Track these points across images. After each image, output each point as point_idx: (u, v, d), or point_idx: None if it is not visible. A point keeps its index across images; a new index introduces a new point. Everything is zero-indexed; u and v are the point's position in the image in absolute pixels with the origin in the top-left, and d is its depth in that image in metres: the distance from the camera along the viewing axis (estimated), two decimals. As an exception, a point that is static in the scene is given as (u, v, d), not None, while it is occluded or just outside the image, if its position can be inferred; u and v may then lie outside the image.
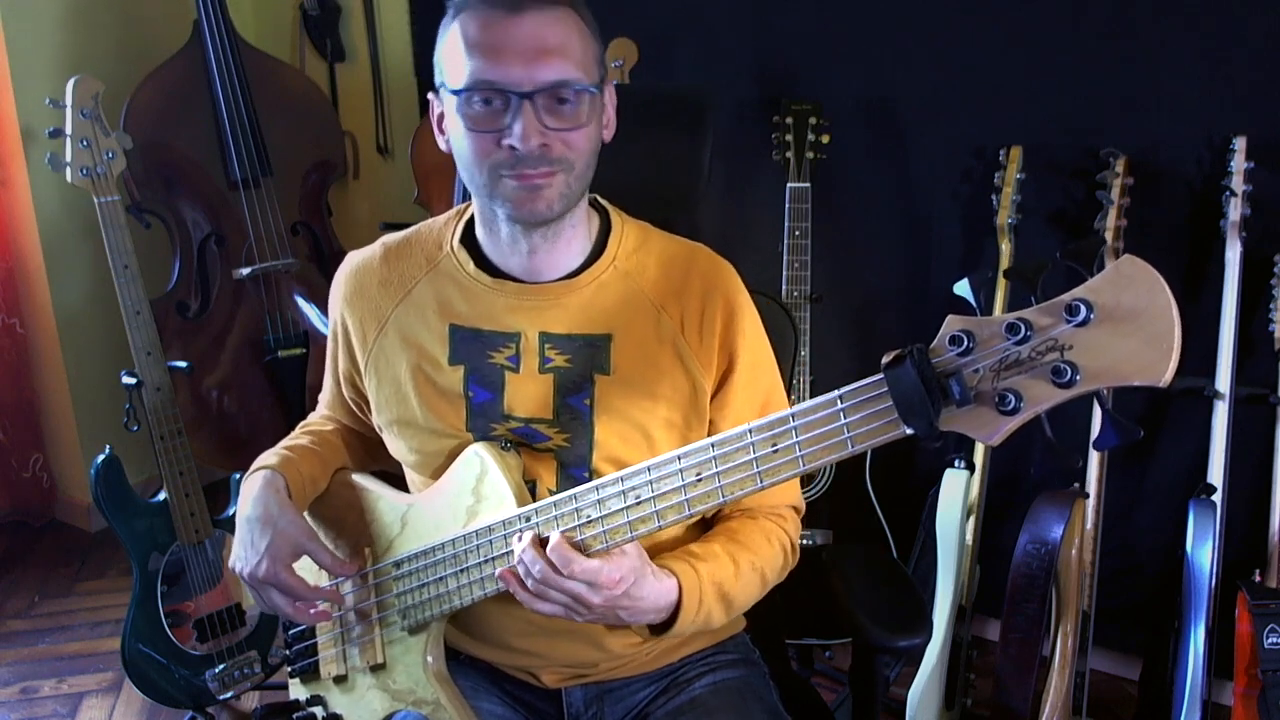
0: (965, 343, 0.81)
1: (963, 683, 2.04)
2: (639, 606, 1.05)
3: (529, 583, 1.02)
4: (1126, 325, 0.76)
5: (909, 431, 0.84)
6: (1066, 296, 0.78)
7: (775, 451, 0.92)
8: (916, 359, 0.82)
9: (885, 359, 0.84)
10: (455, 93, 1.04)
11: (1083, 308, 0.77)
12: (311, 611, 1.18)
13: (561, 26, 1.03)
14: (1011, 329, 0.79)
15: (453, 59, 1.05)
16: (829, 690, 2.21)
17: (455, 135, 1.08)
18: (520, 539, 1.03)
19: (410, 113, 2.91)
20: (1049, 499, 1.78)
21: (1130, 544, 2.16)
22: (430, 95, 1.13)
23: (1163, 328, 0.75)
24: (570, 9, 1.05)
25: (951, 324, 0.83)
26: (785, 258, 2.17)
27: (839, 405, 0.88)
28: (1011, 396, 0.80)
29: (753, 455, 0.93)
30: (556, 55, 1.02)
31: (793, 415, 0.91)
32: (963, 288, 0.88)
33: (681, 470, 0.97)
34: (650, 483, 0.99)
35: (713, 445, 0.96)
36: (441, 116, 1.12)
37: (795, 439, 0.91)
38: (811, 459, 0.91)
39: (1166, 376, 0.75)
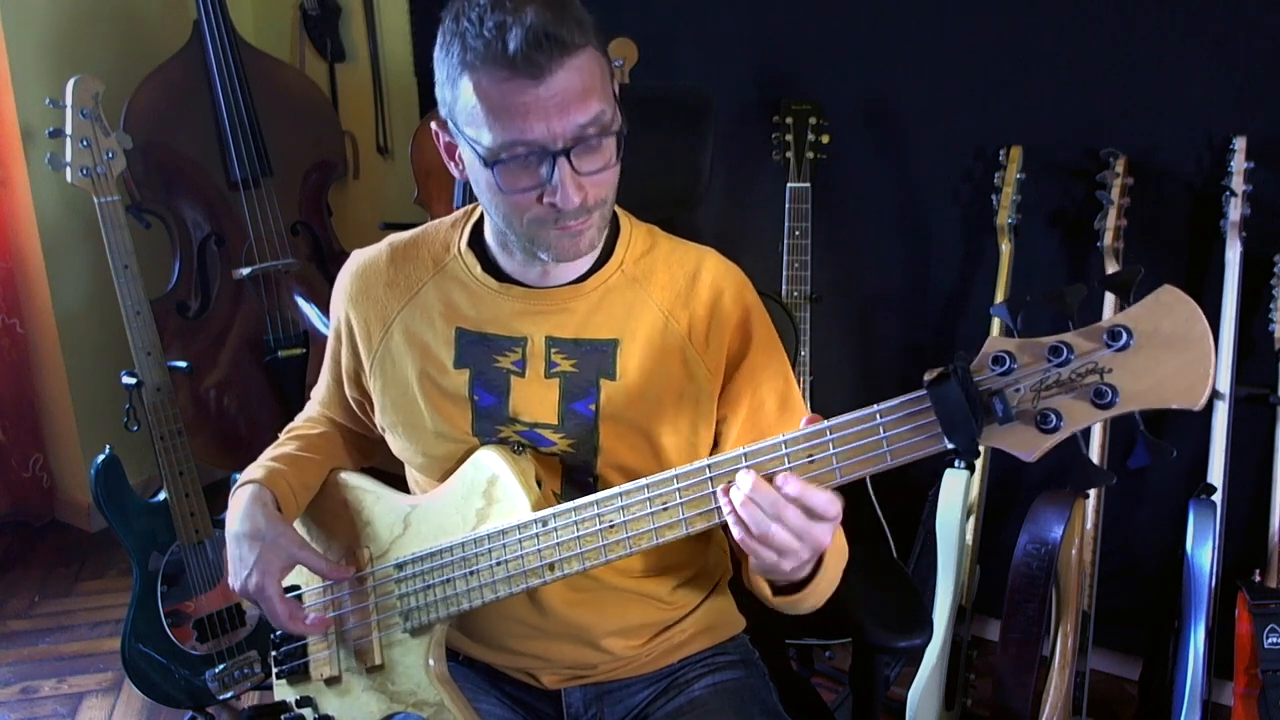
0: (1007, 363, 0.84)
1: (963, 683, 2.04)
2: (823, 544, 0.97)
3: (756, 521, 0.93)
4: (1165, 351, 0.80)
5: (950, 446, 0.86)
6: (1107, 322, 0.81)
7: (811, 463, 0.93)
8: (961, 377, 0.85)
9: (928, 376, 0.86)
10: (484, 160, 1.01)
11: (1124, 333, 0.81)
12: (307, 621, 1.17)
13: (583, 73, 0.99)
14: (1054, 351, 0.83)
15: (473, 117, 1.00)
16: (829, 690, 2.21)
17: (483, 188, 1.06)
18: (739, 480, 0.94)
19: (410, 113, 2.91)
20: (1049, 499, 1.78)
21: (1130, 544, 2.16)
22: (434, 125, 1.09)
23: (1200, 353, 0.79)
24: (585, 41, 0.99)
25: (993, 344, 0.85)
26: (785, 258, 2.17)
27: (879, 419, 0.90)
28: (1053, 415, 0.83)
29: (787, 466, 0.94)
30: (581, 104, 0.98)
31: (830, 428, 0.92)
32: (1000, 310, 0.90)
33: (711, 478, 0.97)
34: (678, 490, 0.99)
35: (745, 456, 0.96)
36: (450, 146, 1.09)
37: (832, 451, 0.92)
38: (849, 470, 0.92)
39: (1202, 401, 0.79)
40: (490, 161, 1.00)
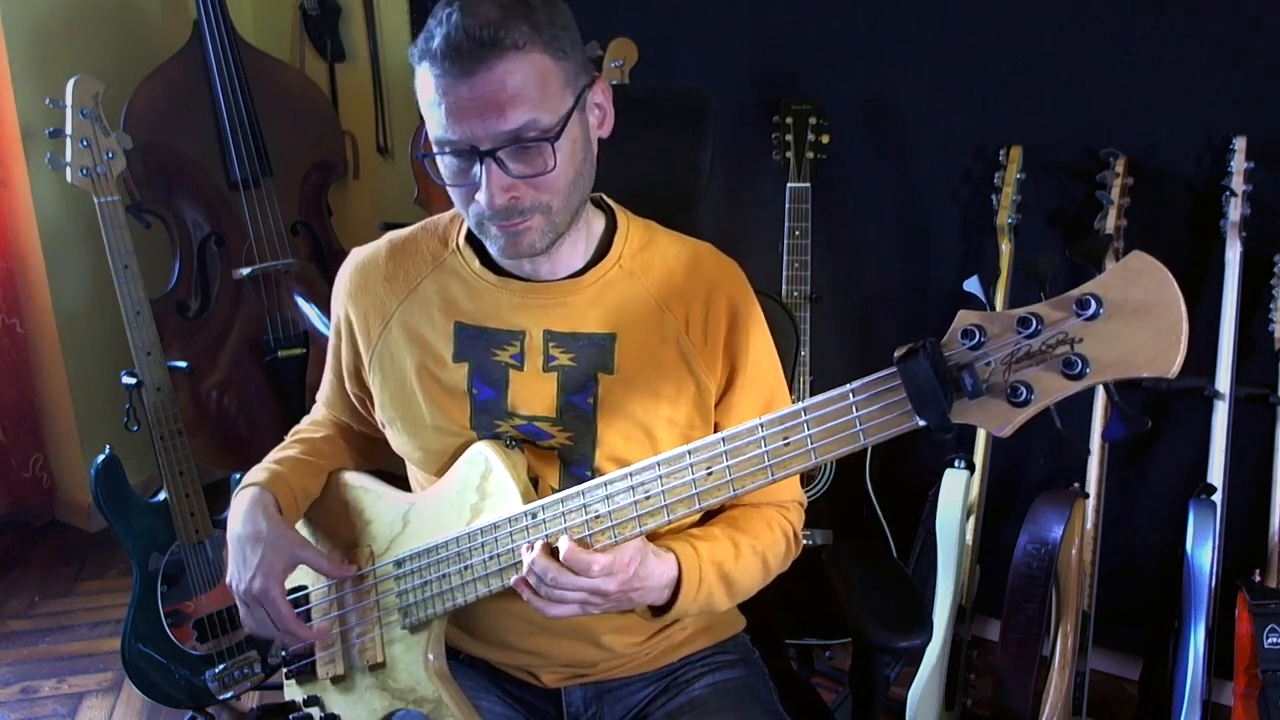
0: (977, 336, 0.83)
1: (963, 683, 2.04)
2: (647, 585, 1.05)
3: (543, 590, 1.03)
4: (1136, 318, 0.78)
5: (921, 423, 0.86)
6: (1077, 291, 0.79)
7: (787, 444, 0.93)
8: (930, 352, 0.84)
9: (898, 352, 0.86)
10: (423, 154, 1.06)
11: (1093, 302, 0.78)
12: (312, 629, 1.19)
13: (517, 74, 0.98)
14: (1023, 323, 0.81)
15: (425, 109, 1.03)
16: (829, 690, 2.21)
17: None
18: (530, 549, 1.03)
19: (410, 113, 2.91)
20: (1049, 499, 1.78)
21: (1130, 544, 2.16)
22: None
23: (1171, 320, 0.77)
24: (529, 45, 0.98)
25: (964, 318, 0.84)
26: (785, 258, 2.17)
27: (851, 399, 0.89)
28: (1023, 388, 0.81)
29: (764, 449, 0.94)
30: (510, 106, 0.98)
31: (804, 409, 0.92)
32: (973, 284, 0.89)
33: (691, 465, 0.98)
34: (660, 478, 0.99)
35: (723, 440, 0.96)
36: None
37: (807, 432, 0.92)
38: (823, 451, 0.92)
39: (1175, 367, 0.76)
40: (433, 152, 1.04)
